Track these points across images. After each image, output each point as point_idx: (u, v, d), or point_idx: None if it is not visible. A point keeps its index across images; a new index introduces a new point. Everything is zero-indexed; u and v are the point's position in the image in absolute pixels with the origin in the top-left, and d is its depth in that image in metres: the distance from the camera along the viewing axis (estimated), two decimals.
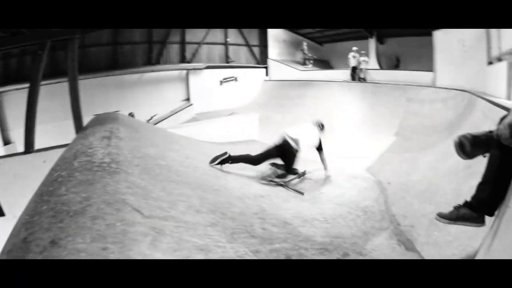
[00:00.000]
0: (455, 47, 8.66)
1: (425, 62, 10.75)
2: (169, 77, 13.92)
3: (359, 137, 8.90)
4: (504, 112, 1.79)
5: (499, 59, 6.53)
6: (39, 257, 1.25)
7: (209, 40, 15.07)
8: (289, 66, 14.95)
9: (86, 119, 5.53)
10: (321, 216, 3.36)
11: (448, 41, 8.96)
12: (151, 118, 11.84)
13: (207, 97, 14.11)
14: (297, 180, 4.71)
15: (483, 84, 7.22)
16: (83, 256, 1.27)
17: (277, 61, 15.35)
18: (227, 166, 4.24)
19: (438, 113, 8.35)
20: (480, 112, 5.31)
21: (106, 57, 12.92)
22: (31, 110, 7.44)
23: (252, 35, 16.16)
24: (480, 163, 1.89)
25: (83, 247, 1.32)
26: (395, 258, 2.70)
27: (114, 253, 1.32)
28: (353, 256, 2.44)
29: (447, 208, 1.99)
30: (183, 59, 14.54)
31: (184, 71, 14.26)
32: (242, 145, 6.27)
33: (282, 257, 1.98)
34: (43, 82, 7.99)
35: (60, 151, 2.98)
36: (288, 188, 4.27)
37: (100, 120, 4.15)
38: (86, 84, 10.37)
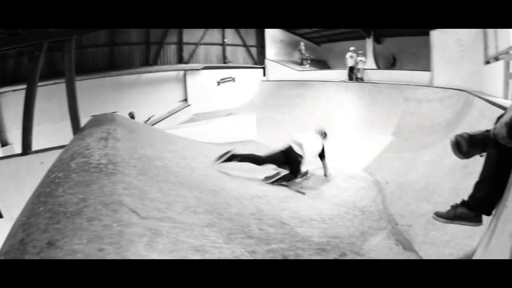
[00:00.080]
0: (452, 47, 8.70)
1: (422, 61, 10.79)
2: (166, 78, 13.91)
3: (356, 137, 8.91)
4: (501, 111, 1.80)
5: (496, 59, 6.56)
6: (36, 258, 1.25)
7: (206, 40, 15.09)
8: (286, 66, 14.97)
9: (83, 120, 5.51)
10: (318, 216, 3.36)
11: (445, 41, 8.98)
12: (149, 119, 11.82)
13: (205, 97, 14.12)
14: (299, 179, 4.81)
15: (480, 83, 7.26)
16: (79, 257, 1.27)
17: (275, 62, 15.38)
18: (226, 167, 4.24)
19: (435, 113, 8.38)
20: (477, 111, 5.33)
21: (104, 58, 12.90)
22: (29, 111, 7.44)
23: (250, 35, 16.19)
24: (477, 163, 1.90)
25: (79, 248, 1.32)
26: (393, 258, 2.70)
27: (111, 254, 1.32)
28: (350, 256, 2.44)
29: (445, 208, 2.00)
30: (180, 60, 14.54)
31: (182, 72, 14.26)
32: (240, 146, 6.25)
33: (279, 257, 1.98)
34: (40, 83, 7.99)
35: (58, 153, 2.96)
36: (290, 188, 4.31)
37: (98, 121, 4.13)
38: (83, 85, 10.37)
